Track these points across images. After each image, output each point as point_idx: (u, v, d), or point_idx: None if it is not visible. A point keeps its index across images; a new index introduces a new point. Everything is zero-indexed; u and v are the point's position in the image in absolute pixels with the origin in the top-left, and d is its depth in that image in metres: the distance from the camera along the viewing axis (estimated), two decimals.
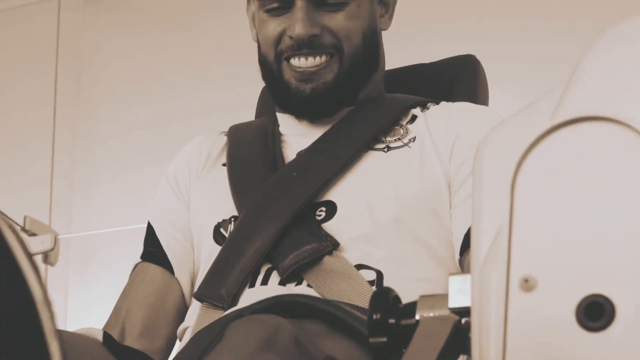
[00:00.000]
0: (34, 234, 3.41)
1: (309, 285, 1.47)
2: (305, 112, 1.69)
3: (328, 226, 1.53)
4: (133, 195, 3.67)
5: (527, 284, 0.64)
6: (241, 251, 1.52)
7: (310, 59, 1.63)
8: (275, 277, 1.49)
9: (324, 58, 1.64)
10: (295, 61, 1.64)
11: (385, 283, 1.48)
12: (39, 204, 3.65)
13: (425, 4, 3.28)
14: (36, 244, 3.40)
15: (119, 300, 1.67)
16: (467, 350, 0.76)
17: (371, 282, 1.47)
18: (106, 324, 1.62)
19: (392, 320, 0.78)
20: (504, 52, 3.15)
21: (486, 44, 3.08)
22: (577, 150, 0.65)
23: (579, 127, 0.65)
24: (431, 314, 0.76)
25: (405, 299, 0.84)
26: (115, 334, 1.54)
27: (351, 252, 1.50)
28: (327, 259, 1.49)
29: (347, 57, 1.65)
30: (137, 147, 3.74)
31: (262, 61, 1.71)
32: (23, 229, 3.38)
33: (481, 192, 0.69)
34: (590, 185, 0.65)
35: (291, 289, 1.47)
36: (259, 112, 2.00)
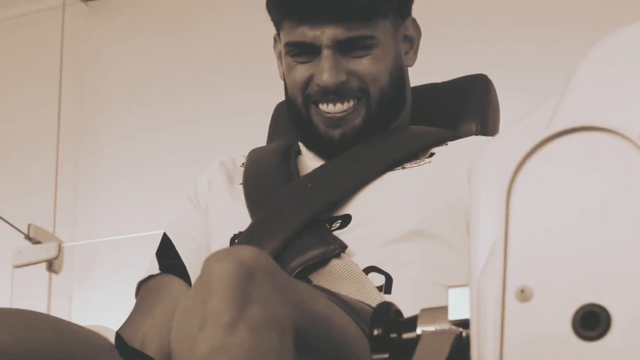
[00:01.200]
0: (38, 242, 3.42)
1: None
2: (332, 154, 1.70)
3: (340, 233, 1.55)
4: (137, 202, 3.68)
5: (524, 294, 0.65)
6: None
7: (339, 104, 1.66)
8: None
9: (351, 103, 1.66)
10: (323, 106, 1.67)
11: (394, 287, 1.49)
12: (43, 211, 3.65)
13: (432, 15, 3.28)
14: (40, 252, 3.40)
15: (140, 309, 1.64)
16: None
17: (380, 287, 1.48)
18: (123, 333, 1.60)
19: (393, 335, 0.78)
20: (516, 68, 3.15)
21: (499, 60, 3.09)
22: (572, 160, 0.65)
23: (574, 137, 0.65)
24: (432, 328, 0.76)
25: (416, 302, 0.84)
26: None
27: (361, 256, 1.51)
28: (335, 262, 1.50)
29: (374, 100, 1.67)
30: (142, 153, 3.75)
31: (291, 103, 1.73)
32: (27, 236, 3.39)
33: (478, 203, 0.70)
34: (586, 194, 0.65)
35: None
36: (271, 131, 2.01)
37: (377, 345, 0.78)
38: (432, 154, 1.68)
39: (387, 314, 0.78)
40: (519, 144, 0.66)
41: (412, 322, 0.77)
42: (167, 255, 1.70)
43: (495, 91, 1.88)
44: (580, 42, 2.04)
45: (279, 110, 1.99)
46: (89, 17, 4.03)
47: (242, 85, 3.61)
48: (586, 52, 0.74)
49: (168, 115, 3.76)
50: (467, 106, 1.86)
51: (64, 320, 1.36)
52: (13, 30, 4.08)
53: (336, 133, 1.67)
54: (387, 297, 1.46)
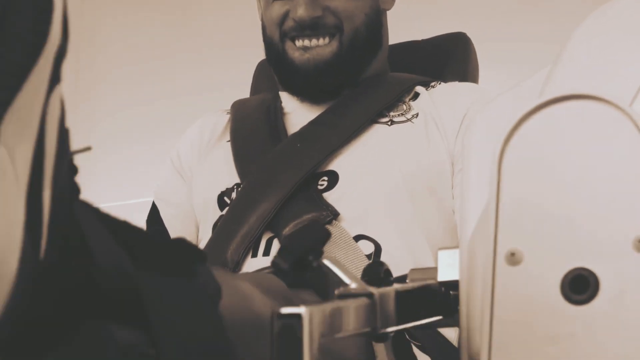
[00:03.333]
0: None
1: None
2: (308, 90, 1.70)
3: (329, 195, 1.55)
4: (131, 171, 3.68)
5: (514, 258, 0.65)
6: (244, 218, 1.54)
7: (314, 40, 1.66)
8: (276, 246, 1.51)
9: (327, 39, 1.66)
10: (299, 42, 1.67)
11: (383, 255, 1.50)
12: None
13: None
14: None
15: None
16: (456, 323, 0.77)
17: (369, 255, 1.49)
18: None
19: None
20: (495, 31, 3.15)
21: (477, 23, 3.09)
22: (563, 127, 0.66)
23: (565, 105, 0.66)
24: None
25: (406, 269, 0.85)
26: None
27: (351, 222, 1.52)
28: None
29: (347, 37, 1.67)
30: (136, 124, 3.75)
31: (268, 42, 1.73)
32: None
33: (469, 168, 0.71)
34: (576, 161, 0.66)
35: None
36: (254, 89, 2.01)
37: None
38: (417, 94, 1.69)
39: (378, 272, 0.79)
40: (512, 111, 0.67)
41: (401, 281, 0.78)
42: (154, 221, 1.72)
43: (474, 50, 1.88)
44: (568, 17, 2.04)
45: (261, 68, 2.00)
46: None
47: (237, 60, 3.60)
48: (573, 26, 0.74)
49: (163, 88, 3.75)
50: (446, 64, 1.87)
51: None
52: None
53: (310, 65, 1.67)
54: None
